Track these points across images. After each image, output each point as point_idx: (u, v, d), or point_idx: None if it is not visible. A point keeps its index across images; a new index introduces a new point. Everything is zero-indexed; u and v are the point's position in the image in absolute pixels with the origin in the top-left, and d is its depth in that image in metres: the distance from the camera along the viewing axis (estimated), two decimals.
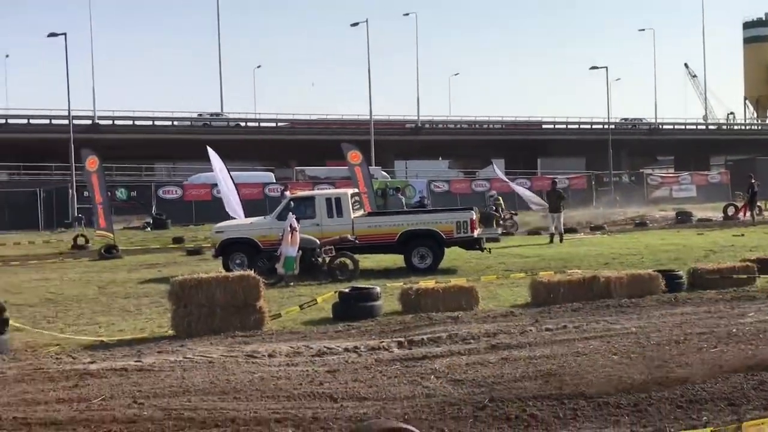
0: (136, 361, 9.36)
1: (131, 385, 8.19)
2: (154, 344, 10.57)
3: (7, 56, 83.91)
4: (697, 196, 55.96)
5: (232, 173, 31.48)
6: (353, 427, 4.61)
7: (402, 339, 10.24)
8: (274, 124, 71.08)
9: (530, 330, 10.59)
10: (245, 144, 63.47)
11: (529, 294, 13.16)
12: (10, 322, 10.89)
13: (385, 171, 55.21)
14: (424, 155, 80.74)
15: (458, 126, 78.73)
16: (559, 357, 8.97)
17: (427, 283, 13.49)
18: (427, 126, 75.59)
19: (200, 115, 69.30)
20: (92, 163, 29.38)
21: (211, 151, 30.44)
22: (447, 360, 9.03)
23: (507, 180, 40.38)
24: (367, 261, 19.19)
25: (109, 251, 25.58)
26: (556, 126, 79.98)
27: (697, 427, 5.90)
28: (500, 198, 32.10)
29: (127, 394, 7.80)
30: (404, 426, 4.28)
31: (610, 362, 8.62)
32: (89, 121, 61.15)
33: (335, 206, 19.29)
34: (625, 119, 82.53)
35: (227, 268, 17.34)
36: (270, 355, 9.57)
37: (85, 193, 35.91)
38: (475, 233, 19.20)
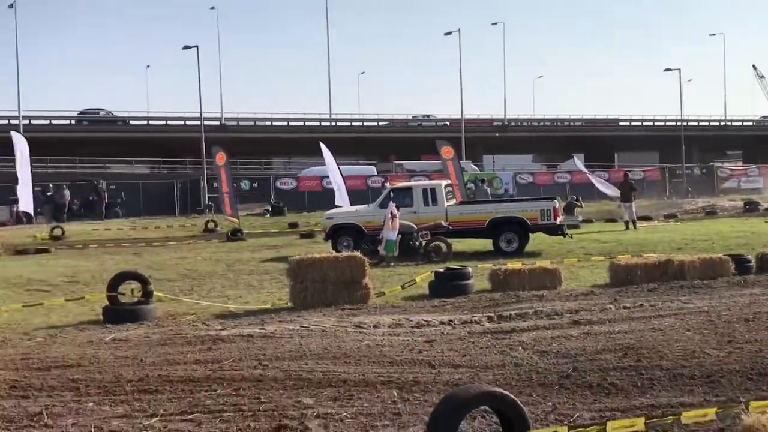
0: (260, 329, 9.55)
1: (256, 350, 8.36)
2: (275, 314, 10.76)
3: (147, 66, 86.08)
4: (764, 188, 53.59)
5: (340, 167, 31.92)
6: (452, 390, 4.62)
7: (492, 314, 10.17)
8: (376, 123, 71.43)
9: (609, 308, 10.37)
10: (351, 141, 63.94)
11: (608, 275, 12.89)
12: (154, 293, 11.29)
13: (474, 165, 54.77)
14: (510, 150, 79.89)
15: (541, 123, 77.48)
16: (637, 332, 8.76)
17: (515, 264, 13.35)
18: (513, 124, 74.63)
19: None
20: (221, 158, 30.16)
21: (323, 148, 30.85)
22: (533, 333, 8.93)
23: (587, 172, 39.54)
24: (459, 245, 19.13)
25: (235, 234, 26.16)
26: (632, 123, 77.84)
27: (767, 399, 5.68)
28: (488, 190, 31.98)
29: (253, 357, 7.97)
30: (500, 390, 4.26)
31: (684, 337, 8.37)
32: (217, 122, 62.56)
33: (431, 196, 19.31)
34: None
35: (336, 250, 17.55)
36: (375, 326, 9.64)
37: (215, 184, 36.86)
38: (558, 220, 18.98)
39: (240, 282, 14.92)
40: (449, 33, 60.89)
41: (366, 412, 5.96)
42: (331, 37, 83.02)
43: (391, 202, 18.02)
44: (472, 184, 33.14)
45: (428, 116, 72.67)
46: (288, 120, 68.14)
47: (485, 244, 19.21)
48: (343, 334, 9.19)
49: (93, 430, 5.70)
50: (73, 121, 62.38)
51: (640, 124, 77.52)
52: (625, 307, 10.37)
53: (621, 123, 78.04)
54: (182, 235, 28.67)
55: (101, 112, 62.84)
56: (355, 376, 7.09)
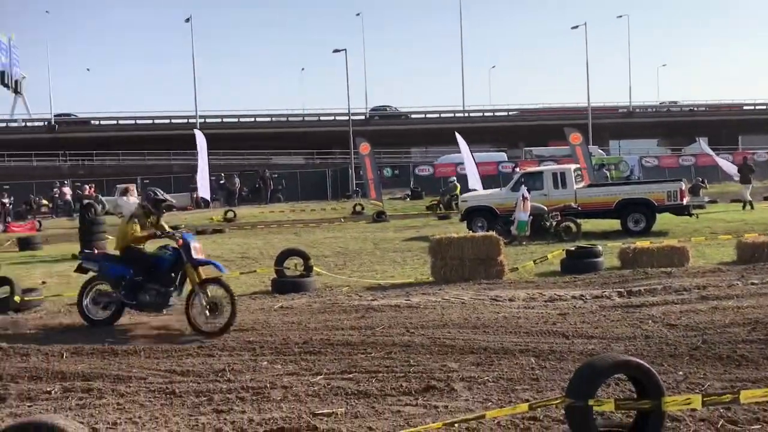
0: (406, 300, 9.68)
1: (404, 318, 8.48)
2: (418, 287, 10.87)
3: (302, 69, 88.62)
4: None
5: (474, 154, 31.72)
6: (590, 358, 4.53)
7: (621, 289, 9.85)
8: (506, 113, 70.39)
9: (737, 284, 9.80)
10: (482, 130, 63.36)
11: (735, 253, 12.14)
12: (314, 268, 11.67)
13: (601, 149, 52.90)
14: (635, 135, 76.53)
15: (666, 109, 73.80)
16: (765, 307, 8.23)
17: (643, 243, 12.83)
18: (638, 110, 71.55)
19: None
20: (365, 148, 30.64)
21: (458, 137, 30.74)
22: (662, 308, 8.58)
23: (713, 154, 37.34)
24: (587, 225, 18.58)
25: (379, 216, 26.56)
26: (756, 107, 72.70)
27: None
28: (458, 185, 29.74)
29: (401, 325, 8.10)
30: (635, 359, 4.14)
31: None
32: (363, 117, 63.63)
33: (560, 179, 18.84)
34: None
35: (471, 230, 17.48)
36: (510, 300, 9.55)
37: (361, 172, 37.52)
38: (684, 201, 18.09)
39: (386, 258, 15.12)
40: (576, 27, 59.00)
41: (506, 377, 5.94)
42: (464, 35, 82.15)
43: (523, 185, 17.78)
44: (597, 168, 32.04)
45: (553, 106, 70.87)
46: (425, 112, 68.44)
47: (612, 224, 18.58)
48: (481, 306, 9.17)
49: (268, 385, 5.98)
50: (240, 119, 65.24)
51: (765, 107, 72.29)
52: (752, 284, 9.78)
53: (745, 107, 73.11)
54: (333, 217, 29.44)
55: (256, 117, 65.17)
56: (494, 344, 7.06)
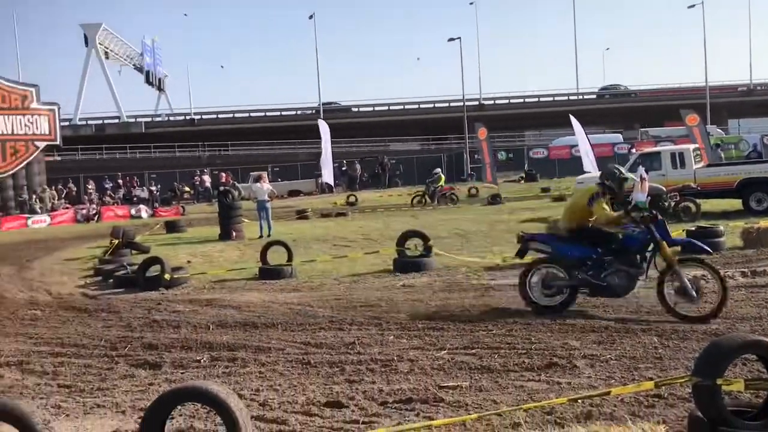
0: None
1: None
2: None
3: (418, 59, 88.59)
4: None
5: (588, 136, 30.71)
6: (719, 338, 4.29)
7: (745, 270, 9.30)
8: (620, 95, 67.69)
9: None
10: (596, 112, 61.22)
11: None
12: (433, 249, 11.70)
13: (719, 129, 49.87)
14: (756, 114, 71.56)
15: None
16: None
17: (767, 222, 12.04)
18: (758, 88, 66.78)
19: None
20: (482, 133, 30.37)
21: (573, 119, 29.90)
22: None
23: None
24: (706, 205, 17.59)
25: (494, 199, 26.26)
26: None
27: None
28: (442, 176, 28.43)
29: (521, 304, 7.95)
30: (765, 339, 3.90)
31: None
32: (476, 103, 62.95)
33: (678, 159, 17.94)
34: None
35: None
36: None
37: (476, 156, 37.25)
38: None
39: (502, 239, 14.89)
40: (692, 6, 55.68)
41: (629, 355, 5.75)
42: (577, 17, 79.38)
43: (641, 166, 17.05)
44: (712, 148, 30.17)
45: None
46: (539, 96, 66.92)
47: (733, 204, 17.51)
48: None
49: (395, 358, 6.08)
50: (360, 109, 66.20)
51: None
52: None
53: None
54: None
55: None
56: (615, 323, 6.86)
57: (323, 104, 59.00)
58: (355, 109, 66.32)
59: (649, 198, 16.01)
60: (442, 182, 27.84)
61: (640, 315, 7.17)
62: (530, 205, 24.44)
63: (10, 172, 31.25)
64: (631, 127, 58.91)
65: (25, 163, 31.70)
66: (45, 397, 5.65)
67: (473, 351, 6.15)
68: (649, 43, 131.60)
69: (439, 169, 30.76)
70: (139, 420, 4.71)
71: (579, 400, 4.54)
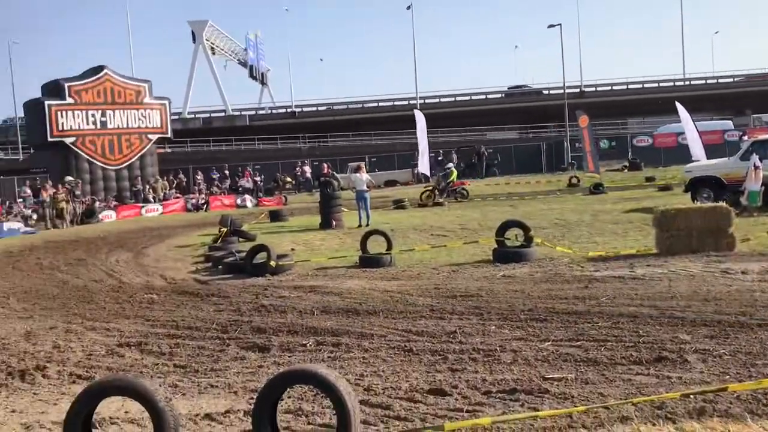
0: (630, 272, 9.24)
1: (628, 290, 8.11)
2: (642, 259, 10.30)
3: (516, 47, 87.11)
4: None
5: (696, 123, 29.31)
6: None
7: None
8: (731, 80, 64.17)
9: None
10: (705, 98, 58.37)
11: None
12: (534, 239, 11.49)
13: None
14: None
15: None
16: None
17: None
18: None
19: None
20: (584, 120, 29.55)
21: (679, 106, 28.66)
22: None
23: None
24: None
25: (597, 188, 25.52)
26: None
27: None
28: (455, 171, 26.88)
29: (626, 296, 7.75)
30: None
31: None
32: (577, 90, 61.33)
33: None
34: None
35: (695, 201, 16.22)
36: (743, 272, 8.76)
37: (577, 144, 36.29)
38: None
39: (605, 230, 14.49)
40: None
41: (744, 351, 5.48)
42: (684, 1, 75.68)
43: (754, 154, 16.10)
44: None
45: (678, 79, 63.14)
46: (643, 83, 64.41)
47: None
48: (711, 278, 8.52)
49: (498, 348, 6.03)
50: (456, 98, 65.79)
51: None
52: None
53: None
54: (548, 189, 28.77)
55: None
56: (728, 317, 6.53)
57: (420, 94, 58.83)
58: (451, 99, 66.00)
59: (764, 188, 15.17)
60: (454, 177, 27.07)
61: (755, 308, 6.80)
62: (634, 194, 23.63)
63: (126, 164, 33.04)
64: (743, 113, 55.76)
65: (139, 155, 33.43)
66: (162, 376, 5.96)
67: (578, 343, 6.01)
68: (760, 27, 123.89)
69: (451, 164, 29.90)
70: (251, 400, 4.90)
71: (692, 396, 4.37)
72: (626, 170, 37.27)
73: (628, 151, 42.77)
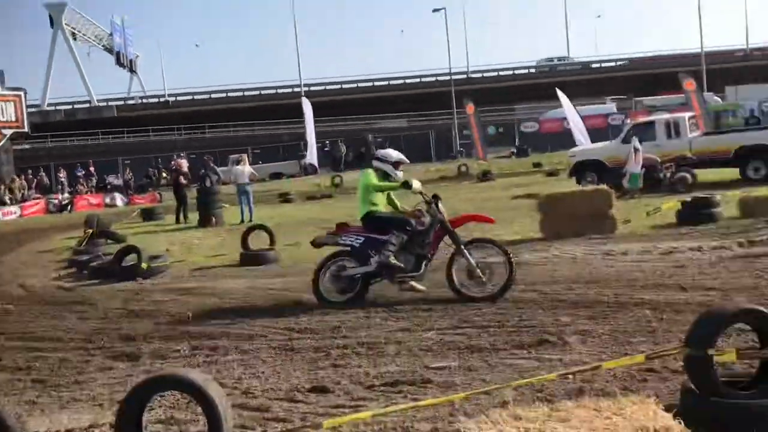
0: (515, 257, 9.56)
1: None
2: (528, 244, 10.75)
3: (402, 31, 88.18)
4: None
5: (577, 108, 30.82)
6: (711, 306, 4.37)
7: (742, 240, 9.41)
8: (613, 63, 67.74)
9: None
10: (587, 82, 61.31)
11: None
12: None
13: (717, 96, 50.02)
14: (755, 80, 71.82)
15: None
16: None
17: (765, 191, 12.17)
18: (756, 53, 67.00)
19: (549, 60, 68.27)
20: (470, 108, 30.40)
21: (559, 92, 29.99)
22: None
23: None
24: (703, 175, 17.73)
25: (485, 175, 26.35)
26: None
27: None
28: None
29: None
30: (760, 308, 3.97)
31: None
32: (464, 76, 62.84)
33: (674, 128, 18.07)
34: None
35: (580, 185, 17.06)
36: (623, 253, 9.33)
37: (465, 132, 37.28)
38: None
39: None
40: None
41: (621, 330, 5.83)
42: None
43: (634, 137, 17.13)
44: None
45: (563, 58, 67.00)
46: (528, 68, 66.89)
47: (731, 173, 17.66)
48: (593, 260, 9.01)
49: (383, 340, 6.13)
50: (342, 86, 65.87)
51: None
52: None
53: None
54: (439, 178, 29.37)
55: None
56: (607, 297, 6.93)
57: (305, 82, 58.53)
58: (337, 86, 65.97)
59: (644, 170, 16.15)
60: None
61: (634, 289, 7.25)
62: (522, 181, 24.55)
63: None
64: (625, 97, 59.03)
65: None
66: (18, 393, 5.66)
67: (462, 330, 6.21)
68: (642, 10, 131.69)
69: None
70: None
71: (570, 376, 4.61)
72: (513, 157, 38.70)
73: (515, 138, 44.43)
